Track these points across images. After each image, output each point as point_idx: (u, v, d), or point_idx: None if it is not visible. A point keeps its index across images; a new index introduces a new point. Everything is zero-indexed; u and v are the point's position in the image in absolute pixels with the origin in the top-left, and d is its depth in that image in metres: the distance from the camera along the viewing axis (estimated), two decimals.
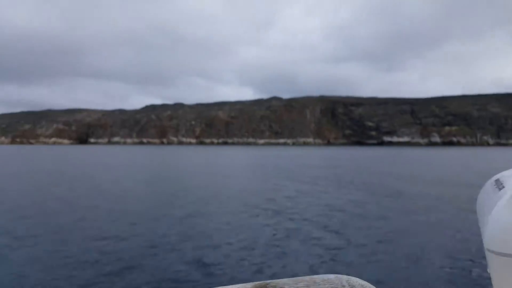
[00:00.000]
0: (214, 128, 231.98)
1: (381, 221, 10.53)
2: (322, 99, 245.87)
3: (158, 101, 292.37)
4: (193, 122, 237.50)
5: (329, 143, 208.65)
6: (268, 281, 0.81)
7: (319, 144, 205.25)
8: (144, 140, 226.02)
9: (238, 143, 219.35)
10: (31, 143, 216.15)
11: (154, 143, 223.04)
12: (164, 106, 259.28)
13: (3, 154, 73.15)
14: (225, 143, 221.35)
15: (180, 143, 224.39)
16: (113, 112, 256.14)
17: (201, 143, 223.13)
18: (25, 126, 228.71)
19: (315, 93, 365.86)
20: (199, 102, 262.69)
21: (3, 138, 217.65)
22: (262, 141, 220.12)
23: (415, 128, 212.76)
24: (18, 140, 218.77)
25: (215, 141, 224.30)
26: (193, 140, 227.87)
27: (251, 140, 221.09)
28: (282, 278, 0.75)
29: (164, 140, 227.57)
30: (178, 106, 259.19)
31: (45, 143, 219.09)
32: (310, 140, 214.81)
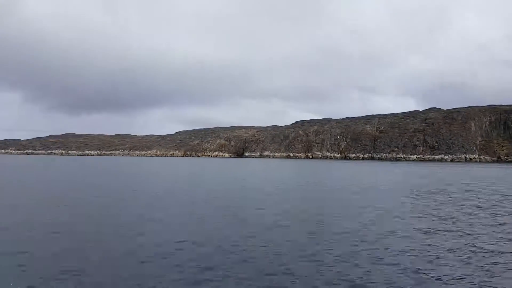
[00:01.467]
0: (359, 143, 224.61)
1: None
2: (491, 108, 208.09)
3: (315, 116, 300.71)
4: (338, 137, 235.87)
5: (499, 160, 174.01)
6: None
7: (486, 161, 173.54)
8: (291, 154, 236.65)
9: (385, 159, 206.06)
10: (198, 156, 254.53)
11: (300, 157, 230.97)
12: (311, 121, 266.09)
13: (178, 163, 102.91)
14: (371, 158, 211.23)
15: (324, 157, 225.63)
16: (266, 128, 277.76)
17: (346, 158, 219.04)
18: (194, 141, 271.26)
19: (482, 102, 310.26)
20: (347, 117, 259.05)
21: (177, 151, 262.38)
22: (413, 156, 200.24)
23: None
24: (188, 153, 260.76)
25: (361, 156, 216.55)
26: (337, 155, 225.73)
27: (400, 155, 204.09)
28: None
29: (309, 155, 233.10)
30: (325, 121, 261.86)
31: (209, 156, 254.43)
32: (475, 156, 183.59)
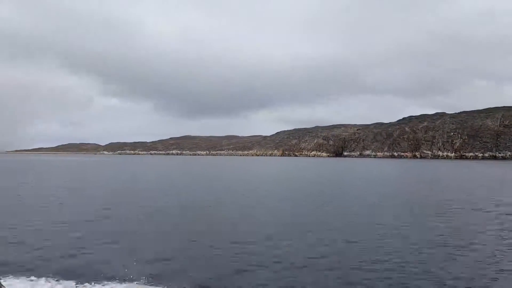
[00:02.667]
0: (478, 140, 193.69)
1: None
2: None
3: (425, 111, 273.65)
4: (452, 133, 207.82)
5: None
6: None
7: None
8: (395, 154, 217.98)
9: (510, 158, 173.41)
10: (295, 155, 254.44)
11: (405, 157, 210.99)
12: (421, 117, 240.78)
13: (277, 163, 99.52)
14: (493, 157, 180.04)
15: (435, 157, 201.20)
16: (368, 126, 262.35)
17: (461, 157, 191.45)
18: (292, 141, 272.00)
19: None
20: (463, 110, 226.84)
21: (275, 151, 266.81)
22: None
23: None
24: (286, 152, 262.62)
25: (480, 155, 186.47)
26: (451, 154, 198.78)
27: None
28: None
29: (417, 154, 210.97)
30: (437, 116, 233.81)
31: (306, 155, 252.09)
32: None
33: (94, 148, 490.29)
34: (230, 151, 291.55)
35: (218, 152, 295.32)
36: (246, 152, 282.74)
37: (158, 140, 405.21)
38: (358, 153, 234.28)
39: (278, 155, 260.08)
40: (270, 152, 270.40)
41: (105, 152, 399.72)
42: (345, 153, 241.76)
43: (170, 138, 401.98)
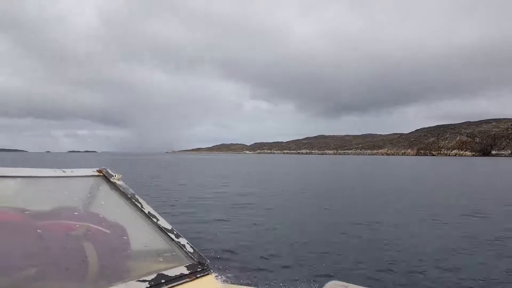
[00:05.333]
0: None
1: None
2: None
3: None
4: None
5: None
6: None
7: None
8: None
9: None
10: (432, 155, 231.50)
11: None
12: None
13: (419, 163, 78.63)
14: None
15: None
16: None
17: None
18: (430, 139, 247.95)
19: None
20: None
21: (409, 150, 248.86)
22: None
23: None
24: (421, 152, 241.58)
25: None
26: None
27: None
28: None
29: None
30: None
31: (446, 154, 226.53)
32: None
33: (241, 148, 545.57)
34: (358, 150, 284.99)
35: (345, 151, 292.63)
36: (375, 151, 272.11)
37: (292, 140, 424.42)
38: (510, 151, 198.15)
39: (411, 155, 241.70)
40: (402, 151, 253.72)
41: (247, 152, 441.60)
42: (494, 152, 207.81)
43: (305, 138, 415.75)
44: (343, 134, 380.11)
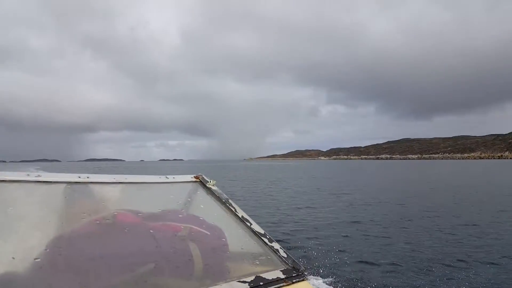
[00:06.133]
0: None
1: None
2: None
3: None
4: None
5: None
6: None
7: None
8: None
9: None
10: None
11: None
12: None
13: None
14: None
15: None
16: None
17: None
18: None
19: None
20: None
21: (507, 153, 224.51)
22: None
23: None
24: None
25: None
26: None
27: None
28: None
29: None
30: None
31: None
32: None
33: (316, 154, 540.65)
34: (446, 154, 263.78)
35: (431, 155, 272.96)
36: (466, 155, 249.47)
37: (371, 145, 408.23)
38: None
39: (510, 158, 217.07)
40: (498, 155, 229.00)
41: (322, 158, 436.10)
42: None
43: (386, 142, 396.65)
44: (431, 137, 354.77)
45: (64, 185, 1.58)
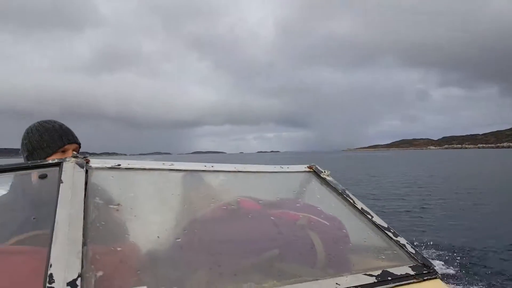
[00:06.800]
0: None
1: None
2: None
3: None
4: None
5: None
6: None
7: None
8: None
9: None
10: None
11: None
12: None
13: None
14: None
15: None
16: None
17: None
18: None
19: None
20: None
21: None
22: None
23: None
24: None
25: None
26: None
27: None
28: None
29: None
30: None
31: None
32: None
33: (425, 143, 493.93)
34: None
35: None
36: None
37: (491, 132, 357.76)
38: None
39: None
40: None
41: (432, 147, 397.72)
42: None
43: (509, 129, 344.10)
44: None
45: (193, 173, 1.71)
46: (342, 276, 1.34)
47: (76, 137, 2.10)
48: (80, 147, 2.11)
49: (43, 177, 1.41)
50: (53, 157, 1.98)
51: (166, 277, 1.23)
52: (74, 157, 1.42)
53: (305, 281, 1.27)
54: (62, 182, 1.27)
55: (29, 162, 1.55)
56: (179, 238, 1.38)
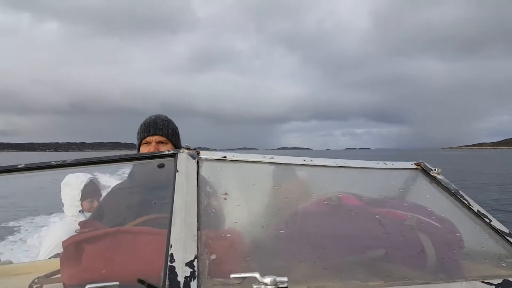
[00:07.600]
0: None
1: None
2: None
3: None
4: None
5: None
6: None
7: None
8: None
9: None
10: None
11: None
12: None
13: None
14: None
15: None
16: None
17: None
18: None
19: None
20: None
21: None
22: None
23: None
24: None
25: None
26: None
27: None
28: None
29: None
30: None
31: None
32: None
33: None
34: None
35: None
36: None
37: None
38: None
39: None
40: None
41: None
42: None
43: None
44: None
45: (294, 166, 1.74)
46: (456, 282, 1.26)
47: (163, 129, 2.16)
48: (168, 138, 2.17)
49: (161, 166, 1.55)
50: (141, 147, 2.16)
51: (273, 266, 1.24)
52: (187, 148, 1.54)
53: (415, 283, 1.22)
54: (177, 171, 1.38)
55: (148, 153, 1.71)
56: (282, 230, 1.41)
